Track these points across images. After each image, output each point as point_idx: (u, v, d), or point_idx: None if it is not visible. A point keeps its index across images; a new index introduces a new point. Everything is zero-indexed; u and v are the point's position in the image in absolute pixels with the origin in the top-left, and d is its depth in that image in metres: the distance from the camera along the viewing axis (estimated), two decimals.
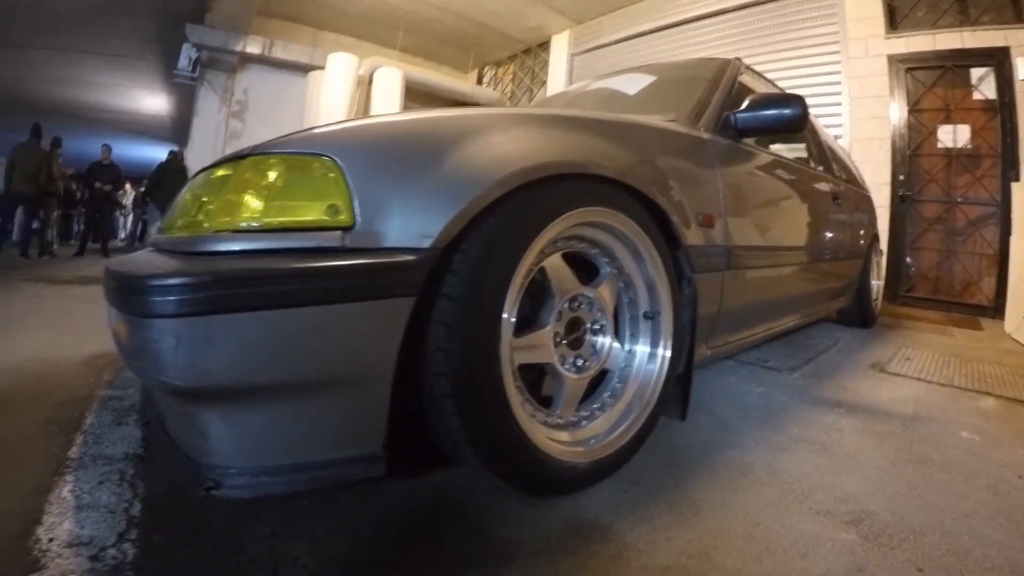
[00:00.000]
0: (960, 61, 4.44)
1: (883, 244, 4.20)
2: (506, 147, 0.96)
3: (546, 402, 1.08)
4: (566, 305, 1.07)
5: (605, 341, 1.15)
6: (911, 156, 4.70)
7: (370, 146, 0.89)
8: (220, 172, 0.94)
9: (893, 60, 4.70)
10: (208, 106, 7.00)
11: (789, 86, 5.22)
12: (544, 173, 0.95)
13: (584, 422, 1.10)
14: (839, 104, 5.05)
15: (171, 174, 6.50)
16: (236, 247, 0.77)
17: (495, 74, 9.72)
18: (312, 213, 0.80)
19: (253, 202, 0.81)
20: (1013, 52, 4.15)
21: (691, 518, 0.99)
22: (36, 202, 6.57)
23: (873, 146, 4.82)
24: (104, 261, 6.18)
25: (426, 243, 0.81)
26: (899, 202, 4.76)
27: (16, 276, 4.44)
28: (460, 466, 1.10)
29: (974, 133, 4.40)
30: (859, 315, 3.25)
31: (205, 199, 0.91)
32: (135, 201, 11.84)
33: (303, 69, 7.31)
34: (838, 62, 5.04)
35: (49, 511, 0.95)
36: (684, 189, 1.28)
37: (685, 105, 1.67)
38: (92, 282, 4.22)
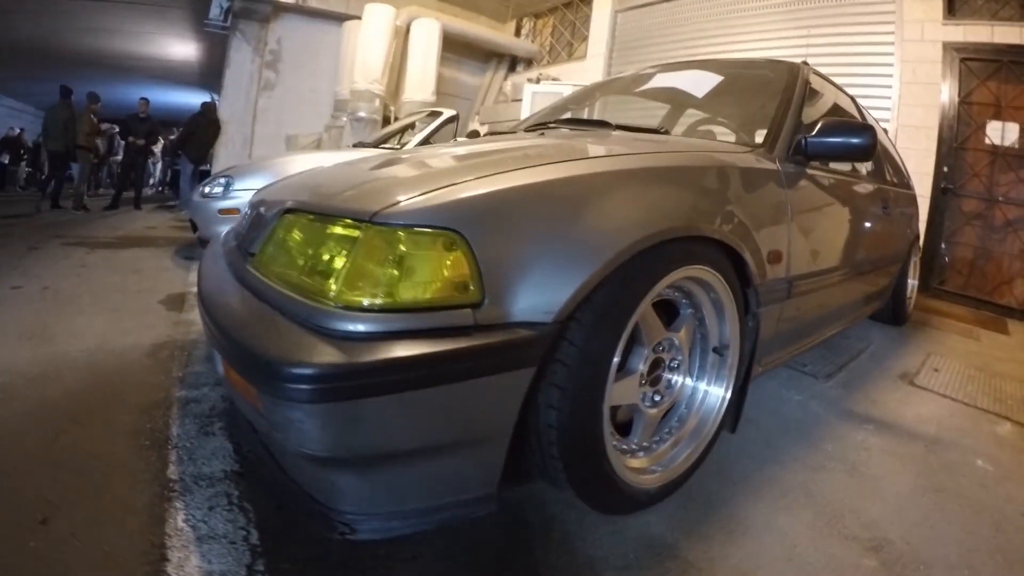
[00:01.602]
0: (1017, 57, 4.39)
1: (920, 236, 4.29)
2: (621, 213, 1.04)
3: (621, 426, 1.27)
4: (650, 349, 1.23)
5: (680, 378, 1.34)
6: (957, 149, 4.72)
7: (492, 218, 0.92)
8: (337, 229, 0.95)
9: (948, 47, 4.64)
10: (241, 56, 7.01)
11: (841, 63, 5.23)
12: (654, 242, 1.05)
13: (655, 446, 1.30)
14: (889, 87, 5.01)
15: (204, 126, 6.60)
16: (372, 328, 0.82)
17: (534, 26, 9.55)
18: (443, 291, 0.86)
19: (383, 278, 0.85)
20: None
21: (740, 538, 1.20)
22: (68, 157, 6.95)
23: (920, 134, 4.82)
24: (137, 214, 6.37)
25: (549, 318, 0.91)
26: (940, 194, 4.81)
27: (54, 238, 4.48)
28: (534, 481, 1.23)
29: (1023, 133, 4.39)
30: (893, 313, 3.36)
31: (318, 256, 0.96)
32: (164, 150, 11.96)
33: (338, 19, 7.27)
34: (891, 43, 4.97)
35: (171, 545, 1.03)
36: (760, 231, 1.40)
37: (758, 123, 1.76)
38: (133, 244, 4.39)
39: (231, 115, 7.01)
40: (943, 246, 4.88)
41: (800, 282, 1.66)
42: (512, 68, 9.57)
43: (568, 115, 2.59)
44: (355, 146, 5.09)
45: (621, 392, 1.14)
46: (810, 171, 1.77)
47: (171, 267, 3.68)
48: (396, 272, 0.86)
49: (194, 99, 7.51)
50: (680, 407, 1.36)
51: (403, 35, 7.28)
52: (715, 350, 1.37)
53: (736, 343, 1.37)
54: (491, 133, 2.46)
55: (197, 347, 2.17)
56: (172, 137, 8.90)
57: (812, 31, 5.53)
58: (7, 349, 2.02)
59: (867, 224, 2.39)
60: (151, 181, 12.24)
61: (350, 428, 0.81)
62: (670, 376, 1.32)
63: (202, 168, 7.03)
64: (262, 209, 1.36)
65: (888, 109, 4.99)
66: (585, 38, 8.24)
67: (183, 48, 10.35)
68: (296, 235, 1.06)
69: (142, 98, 7.61)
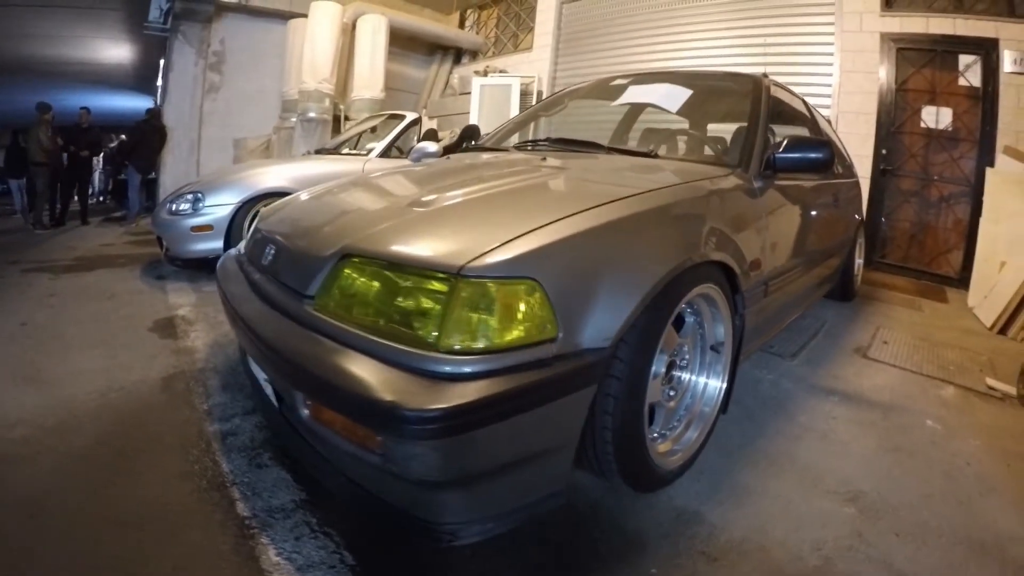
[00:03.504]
0: (950, 47, 4.91)
1: (864, 216, 4.76)
2: (653, 250, 1.31)
3: None
4: (667, 355, 1.49)
5: (687, 375, 1.63)
6: (894, 132, 5.24)
7: (559, 265, 1.12)
8: (425, 282, 1.08)
9: (885, 38, 5.14)
10: (184, 59, 6.91)
11: (784, 52, 5.68)
12: (678, 272, 1.31)
13: (671, 432, 1.59)
14: (830, 75, 5.48)
15: (150, 133, 6.47)
16: (475, 369, 0.99)
17: (478, 17, 9.73)
18: (528, 332, 1.05)
19: (479, 325, 1.02)
20: (1002, 44, 4.64)
21: (746, 500, 1.51)
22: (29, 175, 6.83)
23: (860, 120, 5.31)
24: (86, 230, 6.21)
25: (607, 343, 1.14)
26: (880, 175, 5.32)
27: (10, 265, 4.29)
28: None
29: (955, 117, 4.95)
30: (842, 290, 3.79)
31: (408, 305, 1.09)
32: (104, 158, 11.47)
33: (283, 17, 7.26)
34: (832, 34, 5.43)
35: None
36: (746, 245, 1.69)
37: (732, 142, 2.07)
38: (95, 265, 4.31)
39: (176, 120, 6.91)
40: (884, 222, 5.41)
41: (773, 281, 1.98)
42: (457, 60, 9.74)
43: (542, 118, 2.85)
44: (317, 152, 5.15)
45: (650, 393, 1.40)
46: (776, 182, 2.07)
47: (145, 289, 3.68)
48: (489, 319, 1.03)
49: (129, 104, 7.33)
50: (687, 397, 1.65)
51: (349, 32, 7.33)
52: (712, 348, 1.67)
53: (729, 341, 1.67)
54: (476, 149, 2.63)
55: (209, 376, 2.21)
56: (112, 145, 8.57)
57: (756, 23, 5.96)
58: (9, 396, 1.99)
59: (822, 218, 2.74)
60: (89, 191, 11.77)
61: (466, 455, 0.99)
62: (680, 374, 1.61)
63: (149, 177, 6.90)
64: (301, 243, 1.45)
65: (829, 96, 5.47)
66: (531, 29, 8.47)
67: (117, 51, 10.01)
68: (372, 283, 1.18)
69: (83, 108, 7.35)
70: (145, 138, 6.54)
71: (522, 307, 1.05)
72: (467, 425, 0.96)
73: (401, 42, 8.17)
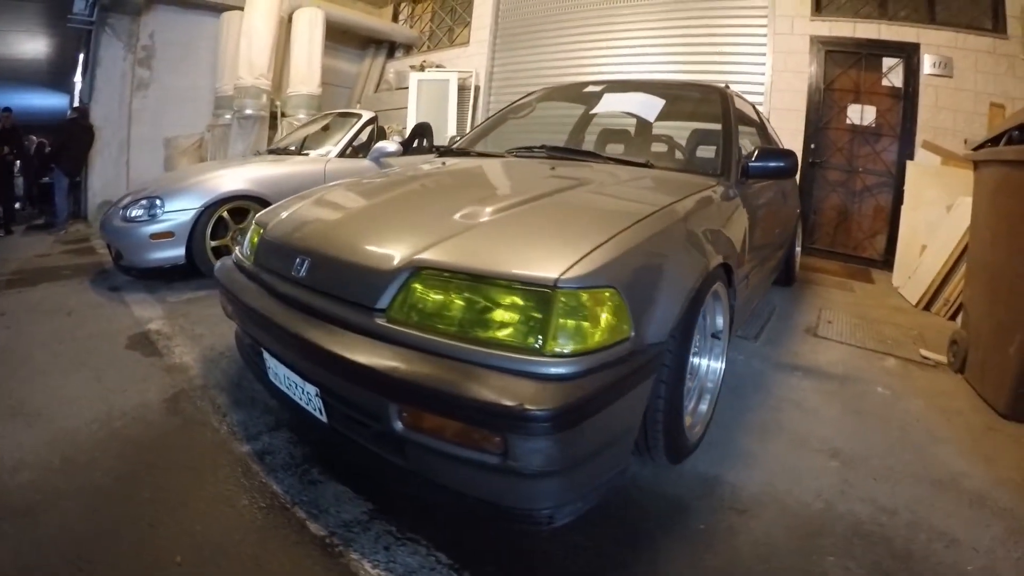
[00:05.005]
0: (875, 50, 5.54)
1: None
2: (689, 255, 1.58)
3: None
4: None
5: (699, 360, 1.91)
6: (822, 128, 5.84)
7: (629, 272, 1.30)
8: (517, 295, 1.20)
9: (815, 40, 5.72)
10: (112, 54, 6.57)
11: (719, 52, 6.17)
12: (707, 274, 1.59)
13: (689, 407, 1.85)
14: (763, 74, 6.02)
15: (78, 134, 6.12)
16: (576, 369, 1.13)
17: (412, 11, 9.78)
18: (612, 333, 1.21)
19: (575, 330, 1.17)
20: (923, 49, 5.29)
21: (752, 462, 1.81)
22: None
23: (790, 116, 5.87)
24: (12, 240, 5.74)
25: (664, 337, 1.36)
26: (809, 167, 5.90)
27: None
28: None
29: (879, 114, 5.60)
30: (785, 276, 4.27)
31: (506, 315, 1.20)
32: (24, 161, 10.54)
33: (215, 9, 7.05)
34: (765, 35, 5.96)
35: None
36: (737, 244, 2.00)
37: (713, 153, 2.37)
38: (38, 279, 4.06)
39: (104, 119, 6.58)
40: (813, 211, 6.01)
41: (749, 274, 2.31)
42: (391, 54, 9.78)
43: (510, 118, 3.07)
44: (270, 152, 5.12)
45: None
46: (750, 187, 2.41)
47: (103, 303, 3.53)
48: (583, 324, 1.18)
49: (43, 102, 6.86)
50: (698, 378, 1.93)
51: (286, 25, 7.24)
52: (713, 335, 1.96)
53: (726, 329, 1.97)
54: (462, 153, 2.80)
55: (215, 394, 2.17)
56: (30, 146, 7.92)
57: (693, 22, 6.42)
58: None
59: (775, 212, 3.13)
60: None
61: (575, 444, 1.15)
62: (694, 359, 1.88)
63: (75, 180, 6.54)
64: (350, 256, 1.46)
65: (762, 94, 6.00)
66: (467, 23, 8.64)
67: (33, 46, 9.35)
68: (457, 295, 1.26)
69: (5, 108, 6.83)
70: (73, 138, 6.20)
71: (606, 312, 1.22)
72: (578, 419, 1.12)
73: (334, 35, 8.14)
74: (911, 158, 5.23)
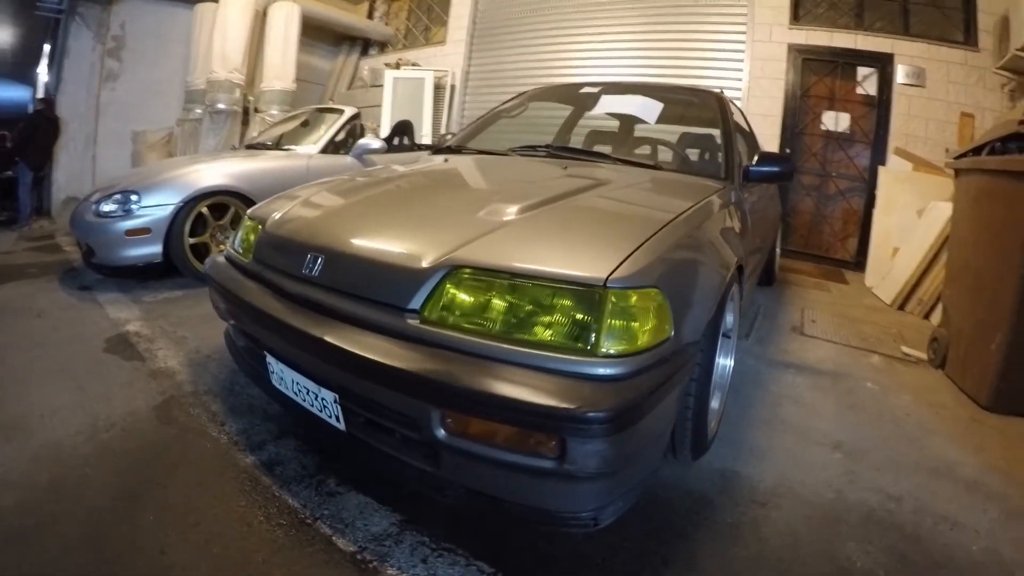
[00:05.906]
0: (850, 59, 5.80)
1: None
2: (717, 256, 1.64)
3: None
4: None
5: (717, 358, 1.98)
6: (798, 133, 6.06)
7: (669, 274, 1.31)
8: (578, 297, 1.18)
9: (792, 48, 5.94)
10: (80, 44, 6.35)
11: (699, 57, 6.33)
12: (730, 274, 1.67)
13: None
14: (740, 80, 6.21)
15: (43, 127, 5.88)
16: (627, 370, 1.13)
17: (388, 9, 9.74)
18: (658, 333, 1.21)
19: (626, 330, 1.17)
20: (897, 59, 5.55)
21: (762, 456, 1.90)
22: None
23: (767, 121, 6.07)
24: None
25: (698, 337, 1.40)
26: None
27: None
28: None
29: (853, 121, 5.86)
30: (766, 276, 4.43)
31: (555, 316, 1.19)
32: None
33: (189, 1, 6.87)
34: (744, 42, 6.15)
35: None
36: (743, 244, 2.07)
37: (717, 159, 2.46)
38: (2, 278, 3.85)
39: (71, 112, 6.35)
40: (788, 214, 6.22)
41: (749, 274, 2.40)
42: (365, 52, 9.72)
43: (502, 117, 3.11)
44: (248, 147, 5.05)
45: None
46: (749, 190, 2.52)
47: (75, 303, 3.39)
48: (632, 324, 1.18)
49: (5, 94, 6.57)
50: (714, 375, 2.00)
51: (260, 19, 7.14)
52: (725, 334, 2.03)
53: (736, 328, 2.05)
54: (461, 151, 2.80)
55: (207, 401, 2.06)
56: None
57: (673, 27, 6.58)
58: None
59: (764, 214, 3.25)
60: None
61: (629, 445, 1.15)
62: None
63: (40, 175, 6.28)
64: (374, 254, 1.41)
65: (740, 99, 6.17)
66: (444, 22, 8.63)
67: None
68: (497, 295, 1.24)
69: None
70: (39, 131, 5.96)
71: (652, 312, 1.22)
72: (634, 419, 1.13)
73: (308, 31, 8.04)
74: (883, 164, 5.46)
